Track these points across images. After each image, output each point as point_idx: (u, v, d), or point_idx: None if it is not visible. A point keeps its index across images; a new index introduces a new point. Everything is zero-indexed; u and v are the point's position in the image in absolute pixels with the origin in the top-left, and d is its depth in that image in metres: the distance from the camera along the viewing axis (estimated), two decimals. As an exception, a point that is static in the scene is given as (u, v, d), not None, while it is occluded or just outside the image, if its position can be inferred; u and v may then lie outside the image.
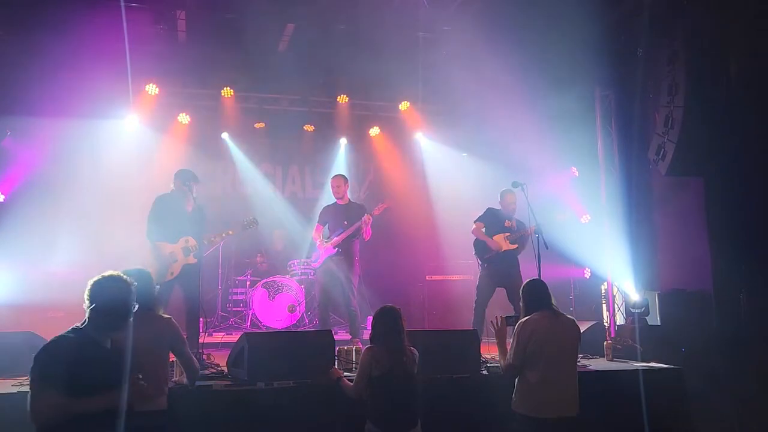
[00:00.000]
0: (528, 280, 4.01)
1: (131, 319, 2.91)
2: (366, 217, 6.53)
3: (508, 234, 6.53)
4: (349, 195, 6.92)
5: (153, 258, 5.45)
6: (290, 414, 3.97)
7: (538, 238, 5.56)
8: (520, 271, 6.44)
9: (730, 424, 5.04)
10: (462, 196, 8.36)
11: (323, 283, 6.70)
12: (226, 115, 9.09)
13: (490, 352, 5.37)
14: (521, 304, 3.90)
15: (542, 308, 3.74)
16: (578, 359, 3.88)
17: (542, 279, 4.17)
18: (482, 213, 6.73)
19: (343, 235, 6.59)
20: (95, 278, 2.89)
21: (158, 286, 3.92)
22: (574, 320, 3.88)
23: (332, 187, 6.83)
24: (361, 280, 6.96)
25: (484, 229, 6.62)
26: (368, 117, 9.87)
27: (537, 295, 3.82)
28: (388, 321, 3.73)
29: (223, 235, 5.79)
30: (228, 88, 8.60)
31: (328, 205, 6.96)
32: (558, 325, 3.68)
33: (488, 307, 6.46)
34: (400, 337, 3.71)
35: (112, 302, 2.83)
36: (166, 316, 3.60)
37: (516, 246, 6.52)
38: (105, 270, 2.95)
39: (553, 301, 3.82)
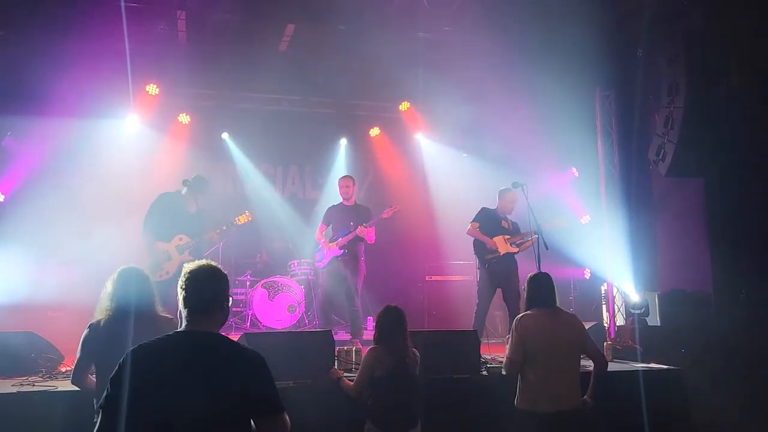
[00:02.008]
0: (536, 272, 3.94)
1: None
2: (360, 228, 6.49)
3: (508, 236, 6.43)
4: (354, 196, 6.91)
5: (146, 251, 5.48)
6: (290, 414, 3.95)
7: (538, 238, 5.54)
8: (518, 273, 6.34)
9: (730, 424, 5.03)
10: (462, 196, 8.33)
11: (328, 283, 6.69)
12: (226, 115, 9.10)
13: (490, 352, 5.37)
14: (524, 294, 3.89)
15: (543, 305, 3.72)
16: (584, 354, 3.81)
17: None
18: (477, 213, 6.63)
19: (350, 236, 6.58)
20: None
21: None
22: (575, 316, 3.85)
23: (341, 187, 6.79)
24: (364, 281, 6.94)
25: (479, 229, 6.51)
26: (368, 117, 9.87)
27: (542, 289, 3.77)
28: (391, 321, 3.73)
29: (218, 231, 5.78)
30: (227, 88, 8.58)
31: (334, 206, 6.92)
32: (558, 324, 3.67)
33: (489, 309, 6.44)
34: (402, 337, 3.71)
35: None
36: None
37: (517, 249, 6.43)
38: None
39: (556, 299, 3.80)
